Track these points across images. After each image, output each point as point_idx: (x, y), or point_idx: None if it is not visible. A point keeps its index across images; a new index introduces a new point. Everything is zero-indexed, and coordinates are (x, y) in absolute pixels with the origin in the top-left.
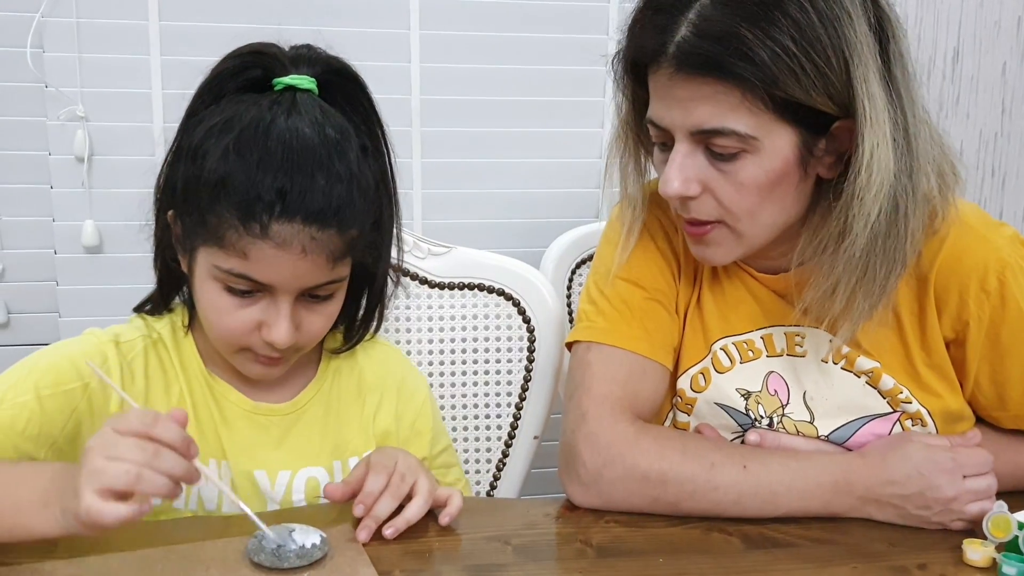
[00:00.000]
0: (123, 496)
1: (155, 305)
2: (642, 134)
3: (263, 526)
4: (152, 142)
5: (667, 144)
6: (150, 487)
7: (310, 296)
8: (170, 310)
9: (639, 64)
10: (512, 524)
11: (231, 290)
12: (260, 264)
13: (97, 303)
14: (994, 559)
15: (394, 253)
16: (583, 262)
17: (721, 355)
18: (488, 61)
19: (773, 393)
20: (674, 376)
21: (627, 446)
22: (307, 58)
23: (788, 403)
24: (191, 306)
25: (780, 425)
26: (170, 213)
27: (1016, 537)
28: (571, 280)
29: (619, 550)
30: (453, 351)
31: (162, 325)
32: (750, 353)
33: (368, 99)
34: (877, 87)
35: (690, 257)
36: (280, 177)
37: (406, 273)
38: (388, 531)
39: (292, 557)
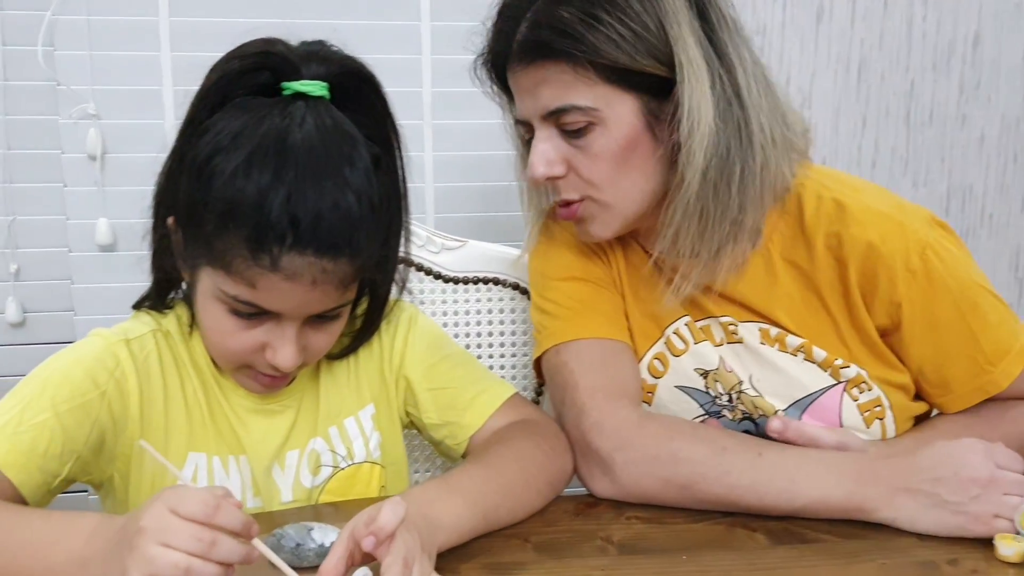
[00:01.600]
0: None
1: (152, 305)
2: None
3: None
4: (164, 139)
5: (531, 141)
6: None
7: (316, 317)
8: (170, 307)
9: (498, 68)
10: (532, 521)
11: (236, 312)
12: (268, 294)
13: (112, 301)
14: None
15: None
16: None
17: (675, 338)
18: None
19: (730, 370)
20: None
21: (634, 430)
22: (319, 56)
23: (742, 383)
24: (192, 305)
25: (739, 401)
26: (171, 220)
27: None
28: None
29: (641, 547)
30: (468, 346)
31: (168, 320)
32: (702, 334)
33: (383, 102)
34: (694, 44)
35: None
36: (292, 203)
37: (420, 268)
38: None
39: (311, 556)
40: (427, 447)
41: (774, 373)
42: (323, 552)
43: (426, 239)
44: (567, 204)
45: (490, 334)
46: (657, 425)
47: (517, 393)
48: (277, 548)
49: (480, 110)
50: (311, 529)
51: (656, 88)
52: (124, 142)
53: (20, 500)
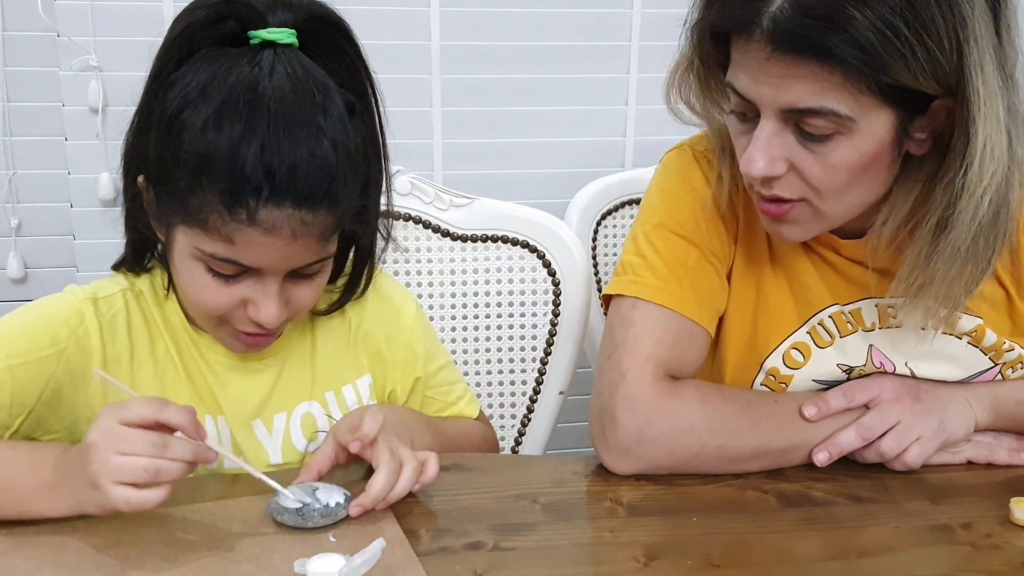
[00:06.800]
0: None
1: (129, 267)
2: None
3: (283, 489)
4: None
5: (746, 115)
6: (169, 476)
7: (298, 272)
8: (147, 270)
9: (722, 31)
10: (540, 482)
11: (214, 271)
12: (247, 249)
13: (114, 256)
14: None
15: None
16: (608, 213)
17: (820, 329)
18: (510, 5)
19: (879, 365)
20: (756, 354)
21: (671, 398)
22: (285, 3)
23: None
24: (168, 267)
25: None
26: (140, 178)
27: None
28: (596, 231)
29: (651, 509)
30: (476, 305)
31: (142, 281)
32: (849, 326)
33: (354, 47)
34: (992, 72)
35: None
36: (266, 155)
37: (427, 226)
38: (379, 506)
39: (316, 516)
40: None
41: (933, 357)
42: (328, 512)
43: (434, 196)
44: (777, 200)
45: (499, 293)
46: (692, 388)
47: (481, 412)
48: (281, 509)
49: (489, 65)
50: (315, 489)
51: (917, 103)
52: (126, 95)
53: None
